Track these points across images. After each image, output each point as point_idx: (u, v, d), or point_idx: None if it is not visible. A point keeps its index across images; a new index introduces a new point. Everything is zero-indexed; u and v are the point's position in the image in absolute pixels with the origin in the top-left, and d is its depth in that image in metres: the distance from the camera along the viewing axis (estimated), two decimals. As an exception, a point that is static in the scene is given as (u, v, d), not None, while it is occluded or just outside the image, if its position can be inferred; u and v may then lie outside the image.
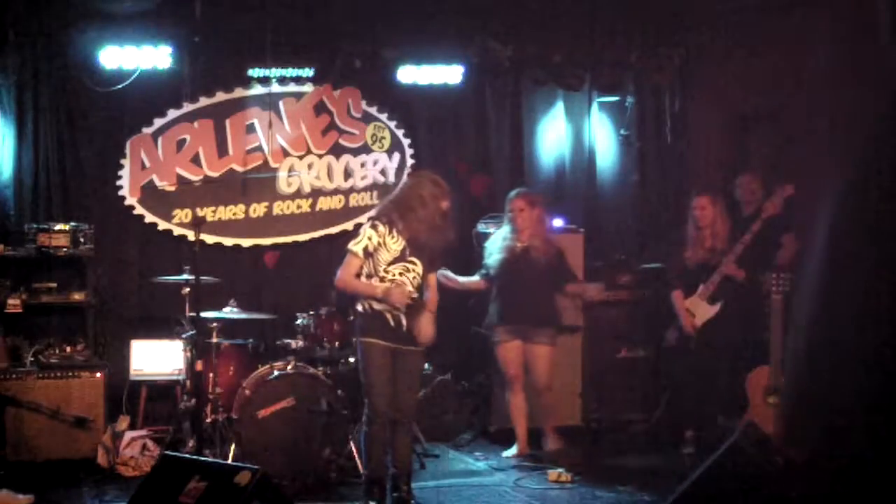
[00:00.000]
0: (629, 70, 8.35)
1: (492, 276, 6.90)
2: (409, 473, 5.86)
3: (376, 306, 5.64)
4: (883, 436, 5.91)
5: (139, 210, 7.61)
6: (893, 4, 6.33)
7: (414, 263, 5.69)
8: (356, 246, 5.63)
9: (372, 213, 5.92)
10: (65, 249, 7.00)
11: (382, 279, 5.63)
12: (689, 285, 7.05)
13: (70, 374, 6.76)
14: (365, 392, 5.71)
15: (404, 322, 5.64)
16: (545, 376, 6.86)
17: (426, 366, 7.62)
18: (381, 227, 5.64)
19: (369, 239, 5.62)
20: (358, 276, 5.66)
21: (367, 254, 5.63)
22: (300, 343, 6.71)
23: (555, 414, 7.01)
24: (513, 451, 6.98)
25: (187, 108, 7.70)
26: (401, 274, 5.65)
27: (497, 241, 6.93)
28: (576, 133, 8.63)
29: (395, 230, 5.65)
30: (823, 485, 5.41)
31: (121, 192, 7.58)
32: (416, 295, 5.72)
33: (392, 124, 8.17)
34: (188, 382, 6.65)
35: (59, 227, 7.01)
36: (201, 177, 7.70)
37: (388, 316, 5.63)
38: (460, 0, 7.72)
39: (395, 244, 5.65)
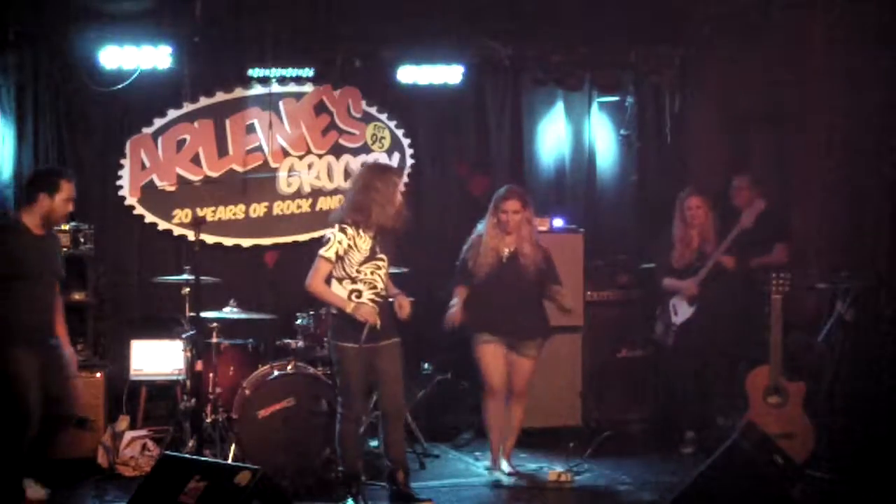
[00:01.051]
0: (629, 70, 8.35)
1: (474, 283, 6.35)
2: (405, 466, 5.90)
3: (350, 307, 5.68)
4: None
5: (139, 210, 7.61)
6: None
7: (382, 260, 5.80)
8: (327, 252, 5.70)
9: (332, 220, 5.93)
10: (65, 249, 6.99)
11: (354, 279, 5.71)
12: None
13: (70, 373, 6.75)
14: (339, 392, 5.81)
15: (378, 322, 5.69)
16: (522, 385, 6.42)
17: (426, 365, 7.66)
18: (349, 230, 5.73)
19: (339, 243, 5.70)
20: (328, 280, 5.75)
21: (338, 257, 5.71)
22: (300, 343, 6.72)
23: (514, 433, 6.53)
24: (485, 462, 6.70)
25: (187, 108, 7.70)
26: (372, 273, 5.75)
27: (480, 244, 6.39)
28: (576, 133, 8.63)
29: (361, 229, 5.73)
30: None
31: (121, 192, 7.58)
32: (385, 293, 5.81)
33: (392, 124, 8.17)
34: (188, 382, 6.65)
35: (59, 227, 7.00)
36: (201, 177, 7.71)
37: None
38: (460, 0, 7.71)
39: (364, 244, 5.74)
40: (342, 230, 5.72)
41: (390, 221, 5.75)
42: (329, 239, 5.73)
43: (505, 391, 6.43)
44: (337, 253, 5.69)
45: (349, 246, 5.70)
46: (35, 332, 5.73)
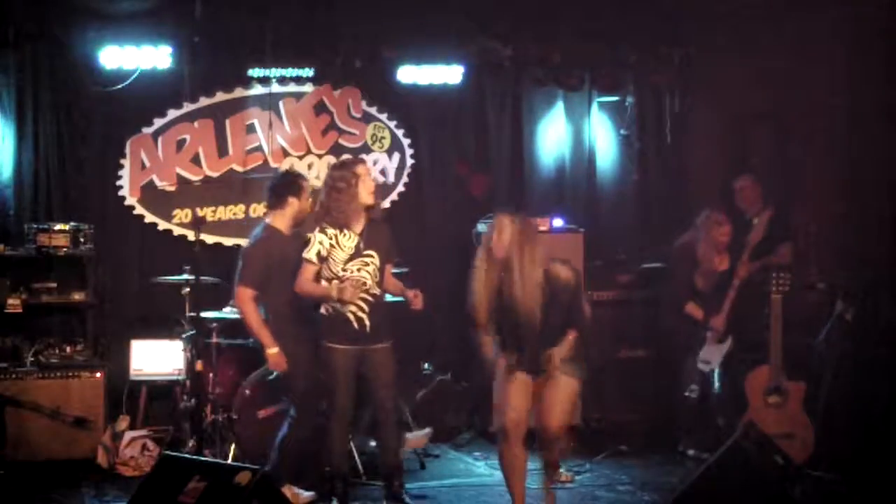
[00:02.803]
0: (629, 70, 8.34)
1: None
2: (399, 468, 5.89)
3: (339, 307, 5.67)
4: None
5: (139, 210, 7.61)
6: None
7: (371, 256, 5.76)
8: (309, 253, 5.70)
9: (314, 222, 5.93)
10: (65, 249, 7.00)
11: (342, 278, 5.69)
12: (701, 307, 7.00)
13: (70, 374, 6.77)
14: (326, 391, 5.79)
15: (368, 322, 5.68)
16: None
17: (426, 365, 7.65)
18: (329, 230, 5.71)
19: (321, 244, 5.69)
20: (318, 280, 5.72)
21: (322, 258, 5.70)
22: (300, 343, 6.71)
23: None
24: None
25: (187, 108, 7.69)
26: (359, 270, 5.71)
27: None
28: (576, 133, 8.62)
29: (344, 228, 5.71)
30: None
31: (121, 192, 7.57)
32: (376, 291, 5.77)
33: (392, 124, 8.17)
34: (188, 382, 6.65)
35: (59, 227, 7.01)
36: (201, 177, 7.70)
37: (351, 317, 5.67)
38: (460, 0, 7.71)
39: (349, 241, 5.72)
40: (322, 230, 5.71)
41: (360, 214, 5.71)
42: (309, 240, 5.73)
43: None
44: (319, 254, 5.68)
45: (331, 245, 5.69)
46: None
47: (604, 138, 8.68)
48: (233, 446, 6.24)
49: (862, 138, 7.15)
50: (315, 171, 7.97)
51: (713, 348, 6.91)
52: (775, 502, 5.15)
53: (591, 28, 8.00)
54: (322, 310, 5.77)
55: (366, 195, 5.73)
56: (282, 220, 6.00)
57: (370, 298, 5.72)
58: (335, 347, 5.69)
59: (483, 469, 6.81)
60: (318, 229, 5.75)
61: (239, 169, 7.79)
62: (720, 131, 8.26)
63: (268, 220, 6.06)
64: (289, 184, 6.07)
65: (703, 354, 6.94)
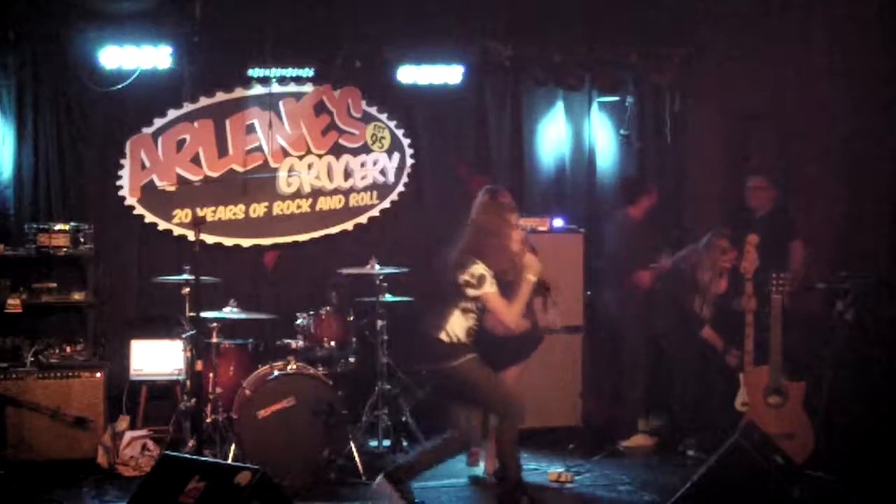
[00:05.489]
0: (629, 70, 8.35)
1: None
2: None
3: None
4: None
5: (139, 210, 7.61)
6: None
7: None
8: (490, 286, 5.47)
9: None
10: (65, 249, 7.01)
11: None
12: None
13: (70, 374, 6.77)
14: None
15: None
16: None
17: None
18: (486, 269, 5.51)
19: (490, 274, 5.50)
20: (453, 309, 5.57)
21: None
22: (300, 343, 6.72)
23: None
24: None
25: (187, 108, 7.70)
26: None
27: None
28: (576, 133, 8.62)
29: (492, 274, 5.53)
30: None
31: (121, 192, 7.58)
32: None
33: (392, 124, 8.17)
34: (188, 382, 6.66)
35: (59, 227, 7.02)
36: (201, 177, 7.71)
37: None
38: (460, 0, 7.71)
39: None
40: (481, 265, 5.52)
41: (506, 263, 5.62)
42: (479, 277, 5.47)
43: None
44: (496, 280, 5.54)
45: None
46: None
47: (604, 138, 8.68)
48: (233, 446, 6.24)
49: (862, 138, 7.14)
50: (315, 170, 7.98)
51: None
52: (775, 502, 5.15)
53: (591, 28, 8.00)
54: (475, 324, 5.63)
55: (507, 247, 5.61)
56: (636, 212, 7.51)
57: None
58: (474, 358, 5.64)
59: (483, 469, 6.80)
60: (474, 266, 5.49)
61: (239, 169, 7.79)
62: (720, 131, 8.26)
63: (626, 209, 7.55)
64: (644, 185, 7.69)
65: (741, 398, 6.65)
